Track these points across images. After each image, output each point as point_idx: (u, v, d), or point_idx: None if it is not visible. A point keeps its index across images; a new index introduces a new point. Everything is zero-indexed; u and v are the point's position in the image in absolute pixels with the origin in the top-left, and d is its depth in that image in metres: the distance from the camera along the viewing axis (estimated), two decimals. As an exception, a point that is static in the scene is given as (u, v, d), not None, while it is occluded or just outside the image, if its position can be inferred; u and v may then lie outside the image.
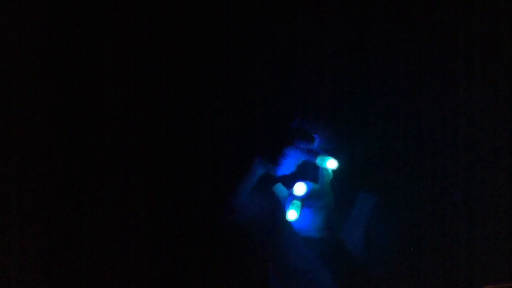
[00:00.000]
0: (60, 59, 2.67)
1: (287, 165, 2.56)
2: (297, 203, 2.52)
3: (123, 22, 2.70)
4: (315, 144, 2.59)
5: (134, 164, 2.69)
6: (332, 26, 2.73)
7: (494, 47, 2.55)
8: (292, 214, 2.52)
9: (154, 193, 2.70)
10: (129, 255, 2.66)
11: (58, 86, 2.67)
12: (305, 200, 2.53)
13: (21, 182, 2.61)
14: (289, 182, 2.56)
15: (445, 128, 2.59)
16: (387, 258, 2.56)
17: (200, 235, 2.66)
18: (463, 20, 2.58)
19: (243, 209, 2.60)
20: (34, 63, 2.64)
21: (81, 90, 2.68)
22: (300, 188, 2.53)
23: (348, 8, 2.72)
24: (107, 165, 2.68)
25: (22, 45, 2.63)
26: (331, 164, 2.52)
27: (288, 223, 2.54)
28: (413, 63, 2.64)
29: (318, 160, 2.54)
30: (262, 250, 2.59)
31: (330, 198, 2.55)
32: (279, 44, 2.76)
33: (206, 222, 2.66)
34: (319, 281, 2.53)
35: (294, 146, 2.56)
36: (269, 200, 2.58)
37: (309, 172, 2.55)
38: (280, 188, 2.56)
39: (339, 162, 2.51)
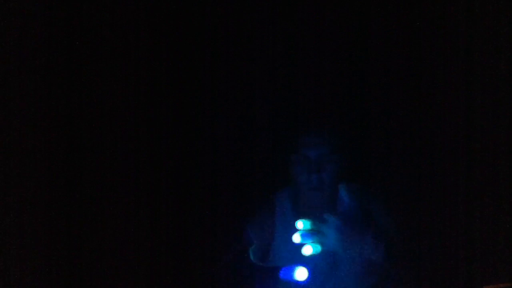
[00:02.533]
0: (60, 59, 2.67)
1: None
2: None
3: (123, 22, 2.70)
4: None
5: (134, 165, 2.70)
6: (332, 27, 2.74)
7: (494, 47, 2.55)
8: (307, 250, 2.50)
9: (153, 194, 2.70)
10: (129, 256, 2.66)
11: (58, 86, 2.67)
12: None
13: (21, 182, 2.61)
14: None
15: (445, 128, 2.59)
16: (387, 258, 2.56)
17: (198, 236, 2.66)
18: (463, 20, 2.58)
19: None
20: (34, 63, 2.64)
21: (81, 90, 2.68)
22: (302, 274, 2.51)
23: (348, 8, 2.72)
24: (107, 166, 2.68)
25: (22, 45, 2.63)
26: (300, 275, 2.50)
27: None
28: (413, 64, 2.64)
29: (282, 274, 2.53)
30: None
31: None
32: (279, 45, 2.76)
33: (205, 224, 2.66)
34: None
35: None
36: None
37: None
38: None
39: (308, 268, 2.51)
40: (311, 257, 2.52)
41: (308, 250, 2.49)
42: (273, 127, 2.74)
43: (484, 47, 2.55)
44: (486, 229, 2.51)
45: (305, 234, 2.49)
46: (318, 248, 2.50)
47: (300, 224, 2.50)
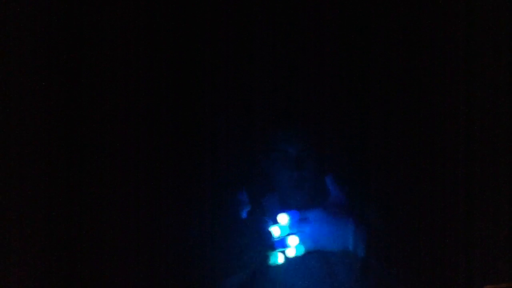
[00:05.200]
0: (60, 59, 2.68)
1: None
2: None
3: (123, 22, 2.71)
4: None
5: (134, 165, 2.70)
6: (332, 28, 2.74)
7: (494, 47, 2.55)
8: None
9: (153, 194, 2.70)
10: (129, 255, 2.66)
11: (58, 86, 2.68)
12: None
13: (21, 182, 2.61)
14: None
15: (445, 128, 2.59)
16: (387, 258, 2.56)
17: (199, 235, 2.66)
18: (463, 20, 2.58)
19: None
20: (34, 63, 2.65)
21: (81, 90, 2.69)
22: (283, 219, 2.44)
23: (348, 9, 2.72)
24: (107, 165, 2.68)
25: (22, 45, 2.63)
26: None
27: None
28: (413, 64, 2.64)
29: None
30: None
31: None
32: (279, 46, 2.77)
33: (205, 223, 2.66)
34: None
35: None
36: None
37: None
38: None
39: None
40: (300, 259, 2.46)
41: (291, 252, 2.44)
42: (249, 123, 2.68)
43: (484, 47, 2.55)
44: (486, 229, 2.51)
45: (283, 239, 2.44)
46: (301, 249, 2.45)
47: (275, 230, 2.44)
